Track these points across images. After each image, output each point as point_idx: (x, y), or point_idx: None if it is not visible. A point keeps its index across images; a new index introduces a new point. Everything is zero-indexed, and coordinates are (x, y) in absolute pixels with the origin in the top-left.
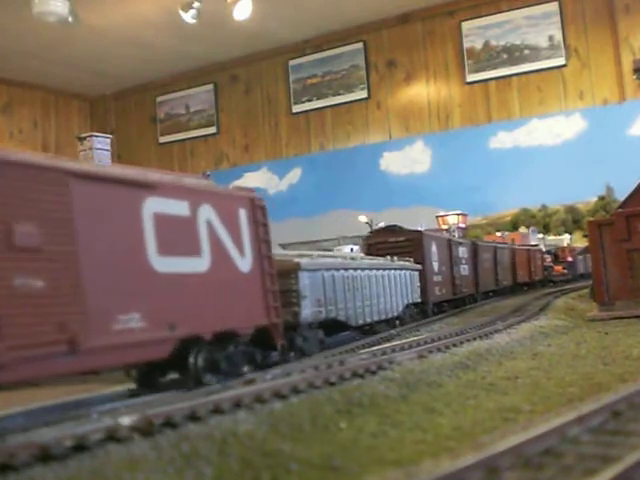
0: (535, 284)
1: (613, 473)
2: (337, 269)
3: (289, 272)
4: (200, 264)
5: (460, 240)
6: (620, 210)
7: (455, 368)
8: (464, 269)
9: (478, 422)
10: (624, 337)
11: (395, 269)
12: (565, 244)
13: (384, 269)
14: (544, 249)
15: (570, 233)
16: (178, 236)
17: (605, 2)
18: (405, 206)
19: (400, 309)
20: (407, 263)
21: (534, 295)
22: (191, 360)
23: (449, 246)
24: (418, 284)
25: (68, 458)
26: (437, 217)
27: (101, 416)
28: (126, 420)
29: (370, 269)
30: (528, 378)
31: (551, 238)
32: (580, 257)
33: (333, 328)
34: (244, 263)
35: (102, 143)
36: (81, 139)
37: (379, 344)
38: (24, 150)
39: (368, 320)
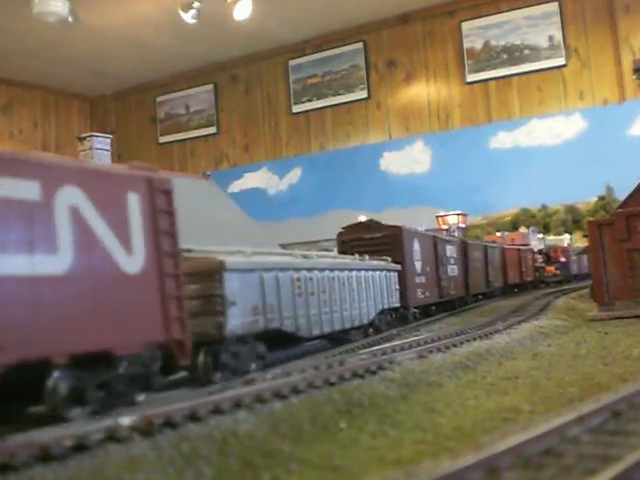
0: (526, 285)
1: (613, 473)
2: (283, 269)
3: (210, 273)
4: (54, 264)
5: (447, 238)
6: (620, 210)
7: (455, 368)
8: (452, 269)
9: (478, 422)
10: (624, 337)
11: (366, 270)
12: (565, 244)
13: (351, 270)
14: (536, 249)
15: (570, 233)
16: (17, 227)
17: (605, 2)
18: (405, 206)
19: (372, 315)
20: (383, 263)
21: (534, 295)
22: (48, 388)
23: (434, 244)
24: (397, 287)
25: (68, 458)
26: (437, 217)
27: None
28: (126, 420)
29: (331, 270)
30: (528, 378)
31: (551, 238)
32: (574, 257)
33: (285, 340)
34: (131, 262)
35: (102, 143)
36: (81, 139)
37: (379, 344)
38: (24, 150)
39: (327, 330)
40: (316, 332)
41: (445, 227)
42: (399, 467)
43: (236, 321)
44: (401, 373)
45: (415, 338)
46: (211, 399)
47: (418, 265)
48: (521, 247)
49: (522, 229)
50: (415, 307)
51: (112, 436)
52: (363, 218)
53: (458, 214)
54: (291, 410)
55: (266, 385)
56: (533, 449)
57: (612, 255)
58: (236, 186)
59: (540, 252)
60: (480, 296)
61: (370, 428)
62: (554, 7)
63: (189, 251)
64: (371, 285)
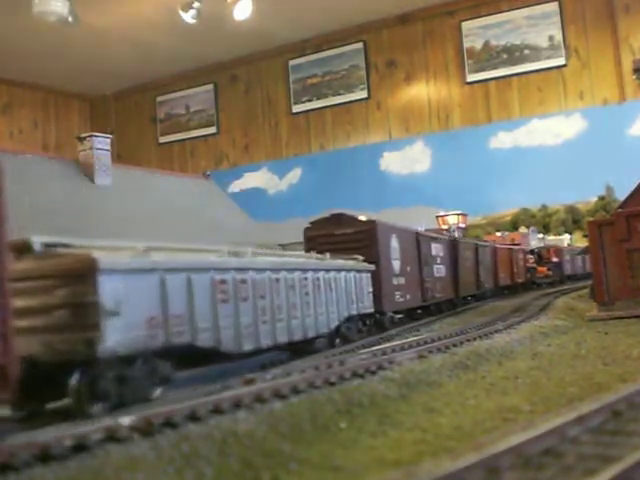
0: (517, 287)
1: (613, 473)
2: (199, 270)
3: (80, 275)
4: None
5: (433, 235)
6: (620, 210)
7: (455, 368)
8: (438, 270)
9: (478, 422)
10: (624, 337)
11: (327, 270)
12: (565, 244)
13: (305, 270)
14: (527, 248)
15: (570, 233)
16: None
17: (605, 2)
18: (405, 206)
19: (335, 323)
20: (351, 262)
21: (533, 295)
22: None
23: (417, 241)
24: (370, 289)
25: (68, 458)
26: (437, 217)
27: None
28: (126, 420)
29: (275, 270)
30: (528, 378)
31: (551, 238)
32: (567, 257)
33: (210, 357)
34: None
35: (102, 143)
36: (81, 139)
37: (379, 344)
38: (23, 150)
39: (268, 343)
40: (249, 346)
41: (445, 227)
42: (399, 467)
43: (118, 336)
44: (401, 373)
45: (415, 338)
46: (211, 399)
47: (396, 265)
48: (513, 246)
49: (522, 229)
50: (394, 312)
51: (112, 436)
52: (363, 218)
53: (458, 214)
54: (291, 410)
55: (266, 385)
56: (533, 449)
57: (612, 255)
58: (236, 186)
59: (532, 252)
60: (470, 298)
61: (370, 428)
62: (554, 7)
63: (66, 246)
64: (334, 288)
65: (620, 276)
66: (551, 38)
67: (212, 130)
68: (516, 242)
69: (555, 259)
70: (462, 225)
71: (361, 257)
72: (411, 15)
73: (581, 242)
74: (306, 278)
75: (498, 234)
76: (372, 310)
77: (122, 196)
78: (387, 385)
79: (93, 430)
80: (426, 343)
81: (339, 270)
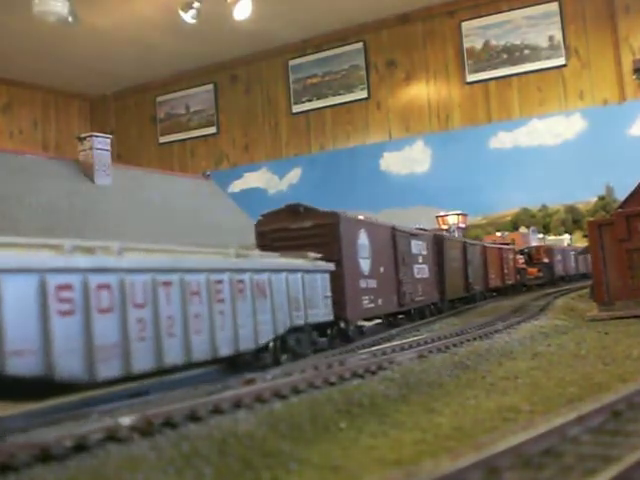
0: (507, 290)
1: (613, 473)
2: (14, 272)
3: None
4: None
5: (413, 231)
6: (620, 210)
7: (455, 368)
8: (420, 270)
9: (478, 422)
10: (624, 337)
11: (258, 271)
12: (565, 244)
13: (212, 271)
14: (517, 248)
15: (570, 233)
16: None
17: (605, 2)
18: (405, 206)
19: (268, 337)
20: (299, 261)
21: (532, 296)
22: None
23: (392, 238)
24: (328, 294)
25: (68, 458)
26: (437, 217)
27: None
28: (126, 420)
29: (161, 272)
30: (528, 378)
31: (551, 238)
32: (558, 257)
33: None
34: None
35: (102, 143)
36: (81, 139)
37: (379, 344)
38: (23, 150)
39: (143, 367)
40: (110, 373)
41: (445, 227)
42: (399, 467)
43: None
44: (401, 373)
45: (415, 338)
46: (211, 399)
47: (365, 264)
48: (503, 246)
49: (522, 229)
50: (364, 319)
51: (112, 436)
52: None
53: (458, 214)
54: (291, 410)
55: (266, 385)
56: (533, 449)
57: (612, 255)
58: (236, 186)
59: (522, 252)
60: (456, 301)
61: (370, 428)
62: (554, 7)
63: None
64: (269, 293)
65: (620, 276)
66: (551, 38)
67: (212, 130)
68: (516, 242)
69: (546, 259)
70: (462, 225)
71: (315, 255)
72: (411, 15)
73: (581, 242)
74: (220, 281)
75: (498, 234)
76: (331, 318)
77: (122, 196)
78: (387, 385)
79: (93, 430)
80: (426, 343)
81: (277, 271)
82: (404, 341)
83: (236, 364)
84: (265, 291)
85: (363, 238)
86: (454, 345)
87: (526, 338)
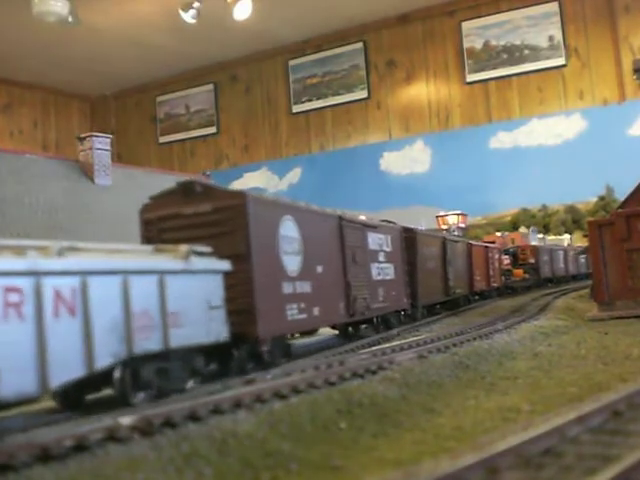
0: (492, 293)
1: (613, 473)
2: None
3: None
4: None
5: (370, 222)
6: (620, 210)
7: (455, 368)
8: (382, 271)
9: (478, 422)
10: (624, 337)
11: (57, 274)
12: (565, 244)
13: None
14: (502, 248)
15: (570, 233)
16: None
17: (605, 2)
18: (405, 206)
19: (68, 377)
20: (160, 258)
21: (532, 296)
22: None
23: (339, 230)
24: (218, 303)
25: (68, 458)
26: (437, 217)
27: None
28: (126, 420)
29: None
30: (528, 378)
31: (551, 238)
32: (545, 258)
33: None
34: None
35: (102, 143)
36: (81, 139)
37: (379, 344)
38: (23, 150)
39: None
40: None
41: (445, 227)
42: (399, 467)
43: None
44: (401, 373)
45: (415, 338)
46: (211, 399)
47: (292, 262)
48: (488, 245)
49: (522, 229)
50: (292, 335)
51: (112, 436)
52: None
53: (458, 214)
54: (291, 410)
55: (266, 385)
56: (533, 449)
57: (612, 255)
58: (236, 186)
59: (506, 252)
60: (438, 306)
61: (370, 428)
62: (554, 7)
63: None
64: (79, 308)
65: (620, 276)
66: (551, 38)
67: (212, 130)
68: (516, 242)
69: (532, 260)
70: (462, 225)
71: (198, 248)
72: (411, 15)
73: (581, 242)
74: None
75: (498, 234)
76: (223, 337)
77: (122, 196)
78: (387, 385)
79: (93, 430)
80: (426, 343)
81: (101, 273)
82: (404, 341)
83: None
84: (71, 305)
85: (289, 228)
86: (454, 345)
87: (526, 338)
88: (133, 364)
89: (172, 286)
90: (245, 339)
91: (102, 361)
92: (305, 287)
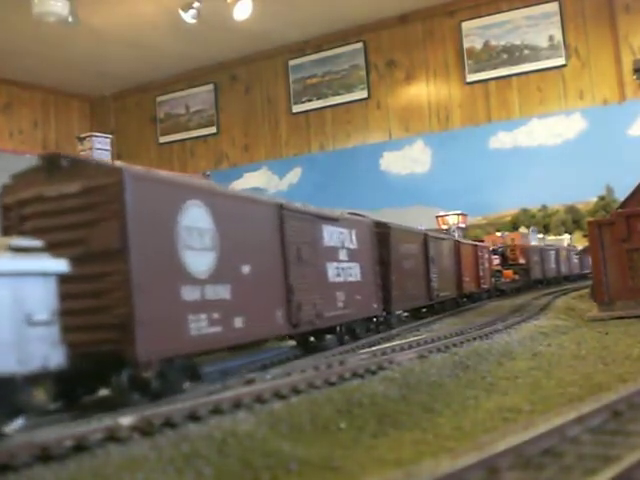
0: (481, 296)
1: (613, 473)
2: None
3: None
4: None
5: (325, 214)
6: (620, 210)
7: (455, 368)
8: (343, 272)
9: (478, 422)
10: (624, 337)
11: None
12: (565, 244)
13: None
14: (492, 247)
15: (570, 233)
16: None
17: (605, 2)
18: (405, 206)
19: None
20: None
21: (532, 296)
22: None
23: (279, 221)
24: (45, 318)
25: (68, 458)
26: (437, 217)
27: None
28: (126, 420)
29: None
30: (528, 378)
31: (551, 238)
32: (535, 258)
33: None
34: None
35: (102, 143)
36: (81, 139)
37: (379, 344)
38: (23, 150)
39: None
40: None
41: (445, 227)
42: (399, 467)
43: None
44: (401, 373)
45: (415, 338)
46: (211, 399)
47: (200, 260)
48: (478, 244)
49: (522, 229)
50: (190, 355)
51: (112, 436)
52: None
53: (458, 214)
54: (291, 410)
55: (266, 385)
56: (533, 449)
57: (612, 255)
58: (236, 186)
59: (495, 252)
60: (424, 309)
61: (370, 428)
62: (554, 7)
63: None
64: None
65: (620, 276)
66: (551, 38)
67: (212, 130)
68: (516, 242)
69: (522, 260)
70: (462, 225)
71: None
72: (411, 15)
73: (581, 242)
74: None
75: (498, 234)
76: (55, 365)
77: None
78: (387, 385)
79: (93, 430)
80: (426, 343)
81: None
82: (404, 341)
83: None
84: None
85: (196, 217)
86: (454, 345)
87: (526, 338)
88: None
89: None
90: (122, 362)
91: None
92: (221, 292)
